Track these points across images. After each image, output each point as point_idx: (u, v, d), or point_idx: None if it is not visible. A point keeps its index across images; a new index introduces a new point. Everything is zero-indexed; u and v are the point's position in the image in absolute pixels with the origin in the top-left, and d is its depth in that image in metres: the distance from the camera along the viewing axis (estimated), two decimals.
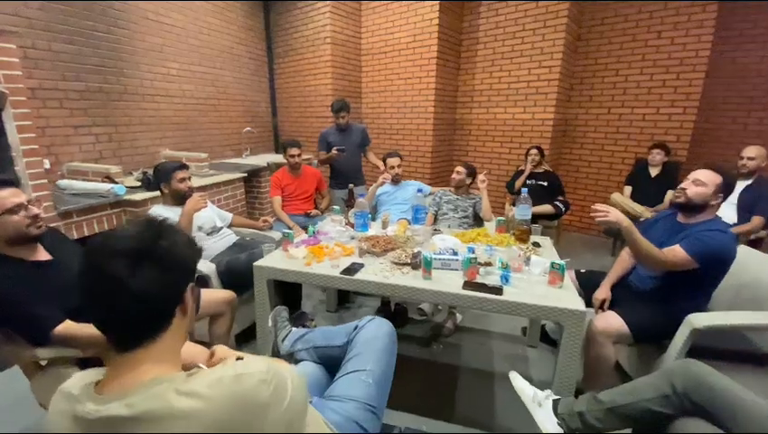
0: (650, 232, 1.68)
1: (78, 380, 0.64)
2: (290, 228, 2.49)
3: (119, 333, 0.62)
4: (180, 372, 0.62)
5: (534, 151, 3.37)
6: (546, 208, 3.12)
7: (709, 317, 1.37)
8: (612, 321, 1.47)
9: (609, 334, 1.46)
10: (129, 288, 0.58)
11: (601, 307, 1.67)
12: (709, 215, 1.51)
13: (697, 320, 1.34)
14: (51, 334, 1.16)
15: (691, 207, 1.52)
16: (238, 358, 0.67)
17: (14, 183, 1.23)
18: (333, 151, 3.02)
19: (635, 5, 3.52)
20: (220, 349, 0.89)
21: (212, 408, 0.56)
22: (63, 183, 2.51)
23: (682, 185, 1.54)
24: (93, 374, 0.64)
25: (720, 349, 1.47)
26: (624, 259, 1.79)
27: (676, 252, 1.42)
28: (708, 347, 1.44)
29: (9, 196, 1.18)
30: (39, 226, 1.24)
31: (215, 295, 1.72)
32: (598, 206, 1.45)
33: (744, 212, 2.48)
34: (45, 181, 2.15)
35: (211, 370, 0.62)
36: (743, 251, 1.75)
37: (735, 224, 2.47)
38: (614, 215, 1.41)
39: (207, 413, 0.55)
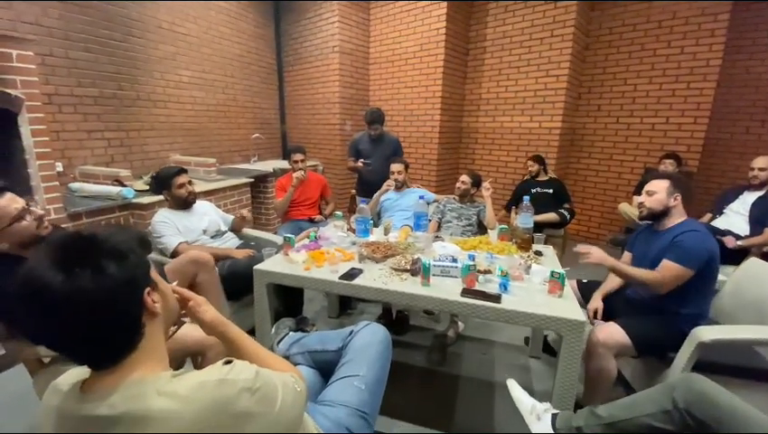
0: (636, 246, 1.74)
1: (69, 376, 0.65)
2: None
3: (85, 360, 0.60)
4: (166, 372, 0.62)
5: (530, 163, 3.33)
6: (550, 216, 3.06)
7: (716, 331, 1.33)
8: (613, 331, 1.44)
9: (610, 345, 1.42)
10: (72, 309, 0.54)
11: (595, 317, 1.66)
12: (678, 217, 1.56)
13: (704, 334, 1.30)
14: None
15: (656, 215, 1.60)
16: (227, 361, 0.65)
17: (6, 188, 1.21)
18: (359, 162, 3.07)
19: (643, 15, 3.50)
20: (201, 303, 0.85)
21: (188, 411, 0.55)
22: (75, 185, 2.58)
23: (639, 200, 1.65)
24: (84, 372, 0.64)
25: (728, 364, 1.42)
26: None
27: (668, 267, 1.44)
28: (715, 362, 1.39)
29: (10, 203, 1.18)
30: (45, 226, 1.26)
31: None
32: (580, 247, 1.53)
33: (757, 223, 2.41)
34: (57, 183, 2.22)
35: (197, 372, 0.62)
36: (755, 265, 1.71)
37: (746, 236, 2.40)
38: (596, 256, 1.50)
39: (182, 416, 0.55)
